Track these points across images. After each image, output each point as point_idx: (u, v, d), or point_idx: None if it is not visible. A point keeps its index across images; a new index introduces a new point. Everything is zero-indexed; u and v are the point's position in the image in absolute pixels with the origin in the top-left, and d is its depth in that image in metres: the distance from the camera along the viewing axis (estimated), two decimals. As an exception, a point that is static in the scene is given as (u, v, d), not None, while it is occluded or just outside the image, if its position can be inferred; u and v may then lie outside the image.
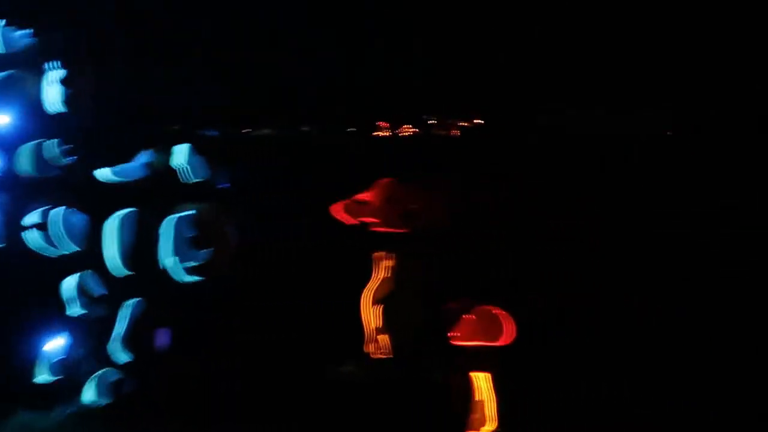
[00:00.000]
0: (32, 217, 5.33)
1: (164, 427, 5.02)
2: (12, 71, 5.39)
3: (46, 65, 5.28)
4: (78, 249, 5.35)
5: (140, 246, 5.25)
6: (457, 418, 4.90)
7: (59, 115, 5.32)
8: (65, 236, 5.30)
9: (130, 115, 5.47)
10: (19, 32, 5.44)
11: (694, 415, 4.77)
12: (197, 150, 5.30)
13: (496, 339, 4.94)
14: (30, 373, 5.33)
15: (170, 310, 5.30)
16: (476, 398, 4.91)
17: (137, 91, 5.49)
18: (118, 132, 5.46)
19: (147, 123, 5.47)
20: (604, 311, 5.43)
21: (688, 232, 5.58)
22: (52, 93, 5.27)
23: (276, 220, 5.88)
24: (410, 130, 6.77)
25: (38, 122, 5.36)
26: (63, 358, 5.36)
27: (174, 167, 5.28)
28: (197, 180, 5.30)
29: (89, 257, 5.31)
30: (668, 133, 6.35)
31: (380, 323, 5.24)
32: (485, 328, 4.96)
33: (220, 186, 5.40)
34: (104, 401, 5.29)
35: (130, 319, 5.30)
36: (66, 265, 5.36)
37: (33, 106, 5.35)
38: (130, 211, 5.29)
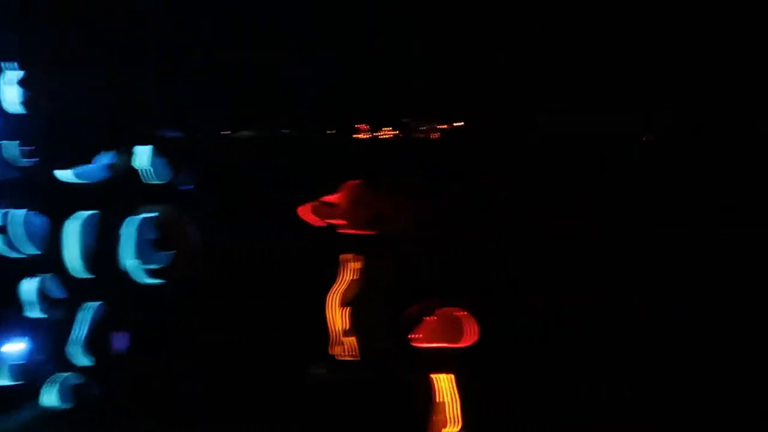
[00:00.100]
0: (-8, 219, 5.28)
1: (126, 428, 4.99)
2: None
3: (3, 65, 5.23)
4: (38, 251, 5.29)
5: (102, 248, 5.21)
6: (420, 419, 4.91)
7: (19, 116, 5.27)
8: (25, 238, 5.25)
9: (91, 116, 5.42)
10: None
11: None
12: (160, 151, 5.27)
13: (457, 340, 4.96)
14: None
15: (132, 313, 5.26)
16: (439, 400, 4.93)
17: (99, 92, 5.43)
18: (79, 133, 5.41)
19: (109, 124, 5.42)
20: (573, 311, 5.45)
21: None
22: (10, 93, 5.22)
23: (242, 222, 5.86)
24: (389, 132, 6.78)
25: (-2, 123, 5.32)
26: (23, 362, 5.31)
27: (136, 168, 5.26)
28: (160, 181, 5.28)
29: (50, 259, 5.26)
30: (645, 139, 6.39)
31: (347, 325, 5.23)
32: (447, 329, 4.97)
33: (183, 188, 5.38)
34: (65, 405, 5.24)
35: (91, 322, 5.26)
36: (26, 267, 5.30)
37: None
38: (92, 213, 5.24)
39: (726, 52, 6.05)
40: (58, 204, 5.27)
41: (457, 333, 4.95)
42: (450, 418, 4.89)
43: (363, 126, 6.76)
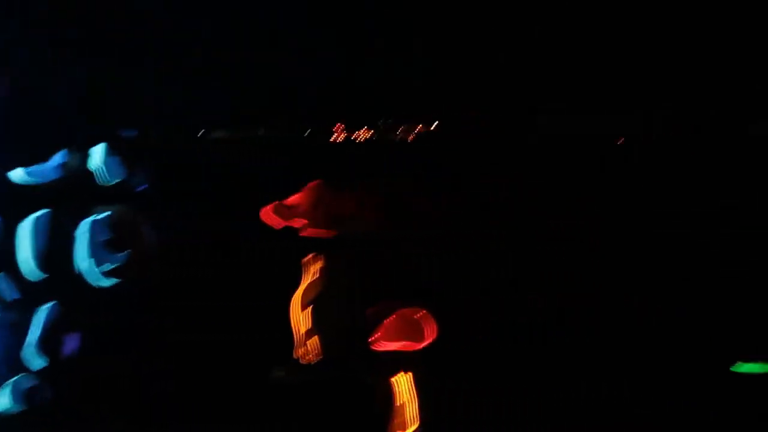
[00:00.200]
0: (-59, 221, 5.19)
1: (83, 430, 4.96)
2: None
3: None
4: (-11, 252, 5.22)
5: (55, 249, 5.14)
6: (379, 421, 4.90)
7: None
8: (-24, 239, 5.17)
9: (44, 115, 5.34)
10: None
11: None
12: (114, 150, 5.21)
13: (417, 341, 4.95)
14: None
15: (86, 314, 5.20)
16: (397, 402, 4.91)
17: (52, 90, 5.35)
18: (32, 132, 5.33)
19: (63, 123, 5.34)
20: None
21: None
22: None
23: (202, 222, 5.80)
24: (366, 133, 6.75)
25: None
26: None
27: (90, 168, 5.19)
28: (114, 181, 5.21)
29: (1, 261, 5.17)
30: (616, 138, 6.37)
31: (309, 327, 5.22)
32: (406, 330, 4.96)
33: (139, 187, 5.31)
34: (19, 408, 5.17)
35: (45, 324, 5.19)
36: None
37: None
38: (45, 213, 5.17)
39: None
40: (10, 204, 5.18)
41: (416, 333, 4.96)
42: (408, 418, 4.89)
43: (338, 127, 6.71)
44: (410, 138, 6.72)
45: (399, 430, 4.87)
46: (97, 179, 5.19)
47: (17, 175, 5.22)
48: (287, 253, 5.36)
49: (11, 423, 5.11)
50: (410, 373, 4.94)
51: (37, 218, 5.15)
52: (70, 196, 5.20)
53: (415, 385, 4.93)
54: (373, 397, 4.93)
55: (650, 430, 4.82)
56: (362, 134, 6.70)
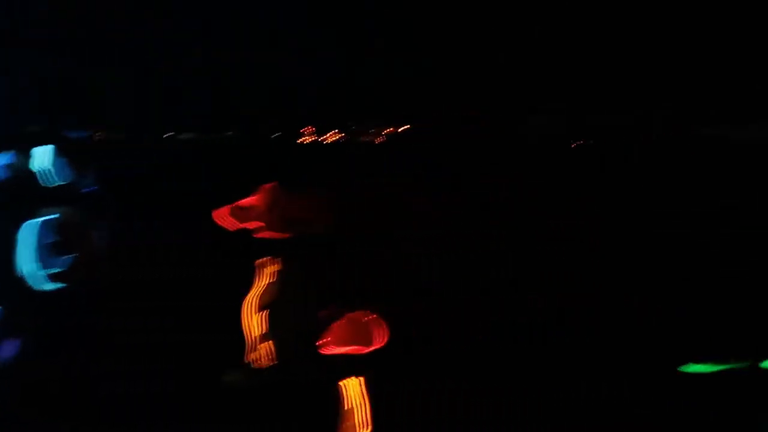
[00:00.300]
0: None
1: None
2: None
3: None
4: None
5: (-1, 252, 5.08)
6: (329, 425, 4.85)
7: None
8: None
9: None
10: None
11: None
12: (61, 152, 5.14)
13: (367, 344, 4.90)
14: None
15: (32, 318, 5.12)
16: (347, 407, 4.86)
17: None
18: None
19: (7, 123, 5.29)
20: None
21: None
22: None
23: (154, 225, 5.74)
24: (336, 135, 6.74)
25: None
26: None
27: (35, 170, 5.13)
28: (61, 183, 5.15)
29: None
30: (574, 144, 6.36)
31: (263, 331, 5.17)
32: (356, 334, 4.91)
33: (86, 189, 5.25)
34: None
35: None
36: None
37: None
38: (-11, 216, 5.12)
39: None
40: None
41: (366, 337, 4.90)
42: (359, 422, 4.84)
43: (308, 129, 6.70)
44: (378, 140, 6.71)
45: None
46: (41, 180, 5.11)
47: (-39, 177, 5.16)
48: (241, 255, 5.32)
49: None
50: (362, 378, 4.88)
51: (-19, 221, 5.09)
52: (15, 198, 5.13)
53: (367, 390, 4.87)
54: (323, 401, 4.88)
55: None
56: (330, 137, 6.69)
